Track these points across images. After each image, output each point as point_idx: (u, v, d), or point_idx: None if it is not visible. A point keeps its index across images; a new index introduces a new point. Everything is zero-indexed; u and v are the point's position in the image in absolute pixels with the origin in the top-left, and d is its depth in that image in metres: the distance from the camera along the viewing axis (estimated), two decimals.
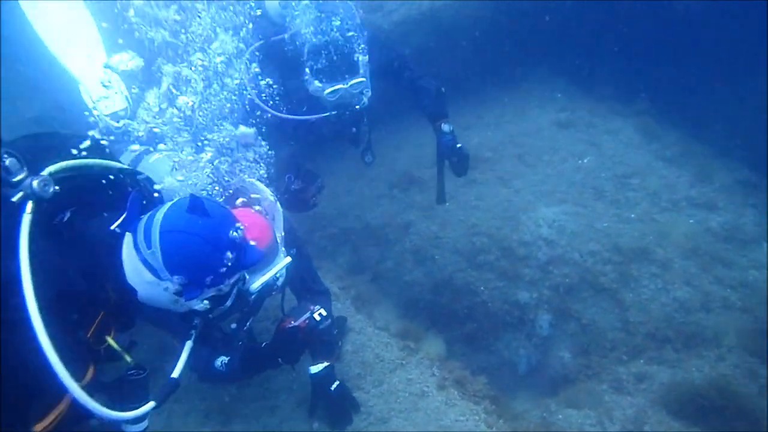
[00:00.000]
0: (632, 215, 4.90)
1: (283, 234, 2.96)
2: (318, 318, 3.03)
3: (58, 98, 5.54)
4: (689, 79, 6.39)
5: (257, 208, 2.98)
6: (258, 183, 3.01)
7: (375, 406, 3.28)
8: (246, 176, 3.03)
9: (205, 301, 2.26)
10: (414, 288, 4.85)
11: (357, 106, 4.11)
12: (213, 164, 2.91)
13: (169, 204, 2.23)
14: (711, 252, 4.62)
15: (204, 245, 2.12)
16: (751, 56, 5.90)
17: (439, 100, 4.36)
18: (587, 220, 4.80)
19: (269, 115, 3.98)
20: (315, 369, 3.31)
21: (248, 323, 3.01)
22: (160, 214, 2.17)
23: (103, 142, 2.48)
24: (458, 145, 4.17)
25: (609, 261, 4.52)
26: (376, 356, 3.55)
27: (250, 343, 3.14)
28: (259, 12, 4.23)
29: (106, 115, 3.68)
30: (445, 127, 4.21)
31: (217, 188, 2.95)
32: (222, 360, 3.06)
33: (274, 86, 4.15)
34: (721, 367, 3.91)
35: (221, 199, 2.95)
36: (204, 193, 2.91)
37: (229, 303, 2.38)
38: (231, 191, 2.98)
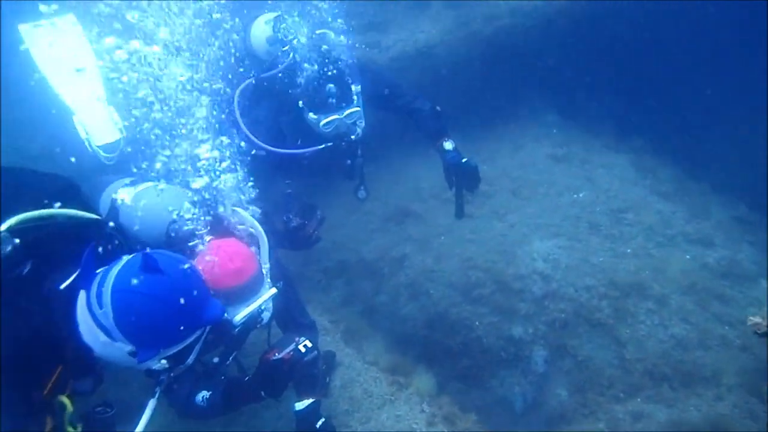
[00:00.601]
0: (628, 250, 4.87)
1: (268, 265, 2.91)
2: (303, 350, 2.96)
3: (57, 133, 5.55)
4: (685, 117, 6.47)
5: (240, 236, 2.95)
6: (243, 212, 2.98)
7: None
8: (231, 206, 3.00)
9: (163, 361, 2.16)
10: (408, 323, 4.77)
11: (352, 136, 4.10)
12: (198, 193, 2.88)
13: (124, 260, 2.15)
14: (708, 288, 4.56)
15: (157, 306, 2.04)
16: (749, 95, 5.97)
17: (436, 119, 4.36)
18: (582, 254, 4.77)
19: (263, 152, 3.98)
20: (300, 405, 3.22)
21: (231, 357, 2.94)
22: (113, 272, 2.08)
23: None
24: (464, 160, 4.14)
25: (605, 296, 4.46)
26: (364, 391, 3.46)
27: (232, 376, 3.06)
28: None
29: (99, 146, 3.68)
30: (448, 145, 4.20)
31: (203, 217, 2.93)
32: (203, 395, 2.98)
33: (267, 122, 4.17)
34: (719, 407, 3.82)
35: (205, 230, 2.92)
36: (189, 224, 2.89)
37: (190, 360, 2.29)
38: (212, 219, 2.96)
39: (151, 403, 2.35)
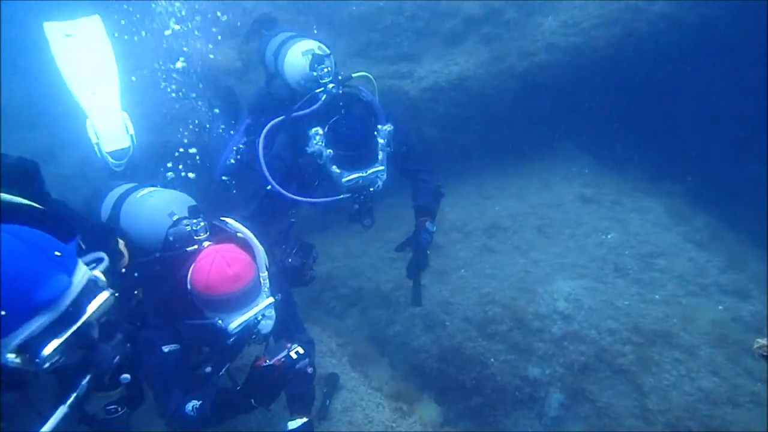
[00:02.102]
0: (656, 296, 4.64)
1: (266, 274, 2.84)
2: (294, 356, 2.83)
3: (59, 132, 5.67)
4: (723, 164, 6.25)
5: (241, 244, 2.90)
6: (240, 225, 2.93)
7: None
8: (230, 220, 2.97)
9: (11, 355, 1.85)
10: (420, 354, 4.62)
11: (371, 189, 3.95)
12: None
13: None
14: (740, 342, 4.28)
15: None
16: None
17: (435, 199, 4.30)
18: (607, 296, 4.56)
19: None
20: (293, 424, 3.09)
21: (224, 369, 2.85)
22: None
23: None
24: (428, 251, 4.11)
25: (628, 341, 4.23)
26: (365, 416, 3.31)
27: (223, 386, 2.95)
28: None
29: (108, 152, 3.71)
30: (429, 226, 4.16)
31: (202, 223, 2.89)
32: (193, 404, 2.88)
33: (287, 160, 4.07)
34: None
35: (204, 235, 2.87)
36: (188, 227, 2.85)
37: (48, 353, 1.87)
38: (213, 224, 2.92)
39: (60, 410, 2.08)
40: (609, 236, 5.21)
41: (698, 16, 6.07)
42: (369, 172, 3.81)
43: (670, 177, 6.17)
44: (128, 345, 2.17)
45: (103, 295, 1.97)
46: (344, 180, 3.82)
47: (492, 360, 4.36)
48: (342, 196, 3.93)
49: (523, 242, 5.24)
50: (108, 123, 3.73)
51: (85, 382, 2.08)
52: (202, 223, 2.89)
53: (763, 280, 4.99)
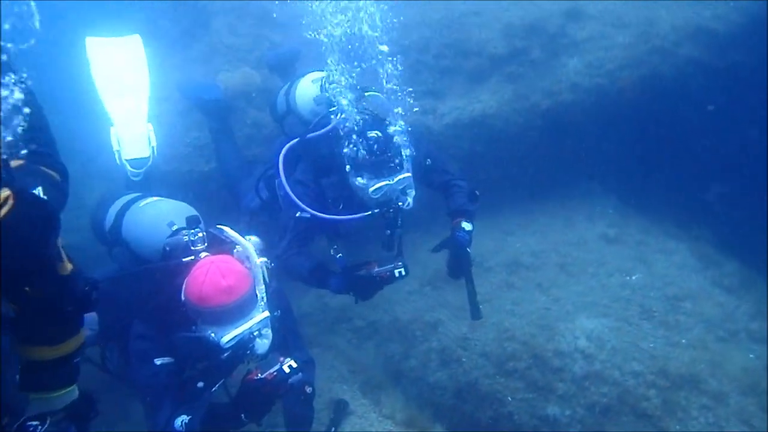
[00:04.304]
0: (683, 340, 4.45)
1: (263, 288, 2.78)
2: (287, 370, 2.74)
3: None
4: (752, 210, 6.10)
5: (239, 257, 2.87)
6: (241, 238, 2.90)
7: None
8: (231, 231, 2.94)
9: None
10: (436, 391, 4.48)
11: (401, 204, 3.84)
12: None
13: None
14: None
15: None
16: None
17: (471, 200, 4.13)
18: (631, 337, 4.39)
19: (308, 215, 3.82)
20: None
21: (217, 385, 2.77)
22: None
23: None
24: (468, 249, 3.95)
25: (653, 385, 4.05)
26: None
27: (214, 402, 2.85)
28: None
29: (127, 160, 3.75)
30: (466, 225, 4.00)
31: (200, 233, 2.87)
32: (182, 419, 2.80)
33: (309, 184, 4.02)
34: None
35: (202, 246, 2.85)
36: (186, 238, 2.82)
37: None
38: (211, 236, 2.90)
39: None
40: (634, 277, 5.06)
41: (726, 61, 6.07)
42: (396, 179, 3.72)
43: (697, 221, 6.03)
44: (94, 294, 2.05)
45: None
46: (371, 190, 3.73)
47: (509, 398, 4.20)
48: (371, 212, 3.81)
49: (544, 279, 5.11)
50: (132, 131, 3.79)
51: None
52: (200, 234, 2.87)
53: None
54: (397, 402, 3.73)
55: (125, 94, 3.82)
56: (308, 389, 3.01)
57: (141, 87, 3.89)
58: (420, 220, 5.25)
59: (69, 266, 2.03)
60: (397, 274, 3.82)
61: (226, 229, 2.95)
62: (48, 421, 2.03)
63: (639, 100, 5.92)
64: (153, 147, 3.85)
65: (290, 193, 3.81)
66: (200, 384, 2.83)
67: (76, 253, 2.24)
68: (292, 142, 4.02)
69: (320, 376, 3.98)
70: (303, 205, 3.81)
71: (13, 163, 1.99)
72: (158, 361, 2.86)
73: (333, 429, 3.31)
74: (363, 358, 4.86)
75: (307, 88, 4.29)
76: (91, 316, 3.22)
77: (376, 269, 3.85)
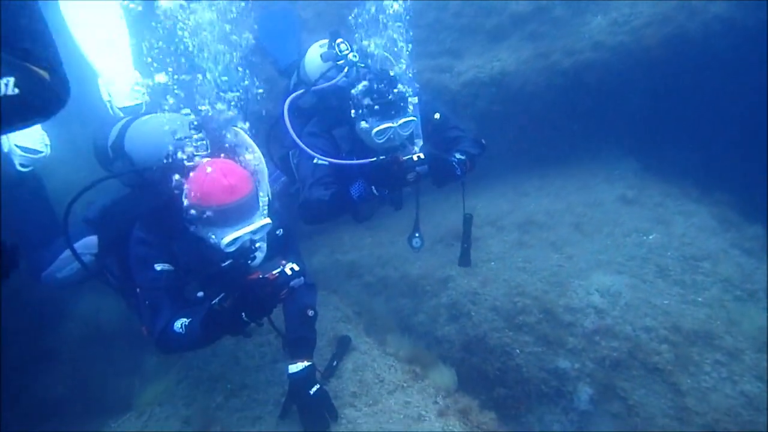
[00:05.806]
0: (699, 299, 4.35)
1: (265, 196, 2.76)
2: (290, 272, 2.70)
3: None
4: None
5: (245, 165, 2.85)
6: (243, 133, 2.86)
7: (364, 423, 2.86)
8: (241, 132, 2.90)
9: None
10: (444, 344, 4.44)
11: (416, 149, 3.76)
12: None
13: None
14: None
15: None
16: None
17: (472, 145, 4.02)
18: (645, 294, 4.30)
19: (324, 162, 3.79)
20: (294, 368, 2.97)
21: (219, 298, 2.74)
22: None
23: None
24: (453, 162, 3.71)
25: (666, 340, 3.96)
26: (376, 376, 3.17)
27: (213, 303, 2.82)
28: None
29: (120, 109, 3.76)
30: (459, 156, 3.79)
31: (204, 141, 2.84)
32: (182, 322, 2.79)
33: (322, 135, 4.01)
34: None
35: (205, 152, 2.81)
36: (189, 145, 2.79)
37: None
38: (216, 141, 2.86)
39: None
40: (651, 237, 4.95)
41: (756, 19, 5.83)
42: (400, 122, 3.69)
43: (720, 186, 5.86)
44: None
45: None
46: (374, 132, 3.70)
47: (518, 351, 4.15)
48: (376, 158, 3.71)
49: (558, 238, 5.03)
50: (120, 81, 3.80)
51: None
52: (203, 141, 2.83)
53: None
54: (403, 342, 3.70)
55: (106, 46, 3.81)
56: (310, 312, 2.98)
57: (120, 36, 3.88)
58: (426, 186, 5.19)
59: None
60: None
61: (240, 131, 2.91)
62: None
63: (663, 59, 5.74)
64: (143, 93, 3.85)
65: (297, 140, 3.79)
66: (200, 293, 2.83)
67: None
68: (298, 92, 4.05)
69: (324, 317, 3.99)
70: (314, 153, 3.80)
71: None
72: (158, 267, 2.85)
73: (335, 362, 3.30)
74: (371, 304, 4.83)
75: (314, 52, 4.30)
76: (90, 239, 3.27)
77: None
